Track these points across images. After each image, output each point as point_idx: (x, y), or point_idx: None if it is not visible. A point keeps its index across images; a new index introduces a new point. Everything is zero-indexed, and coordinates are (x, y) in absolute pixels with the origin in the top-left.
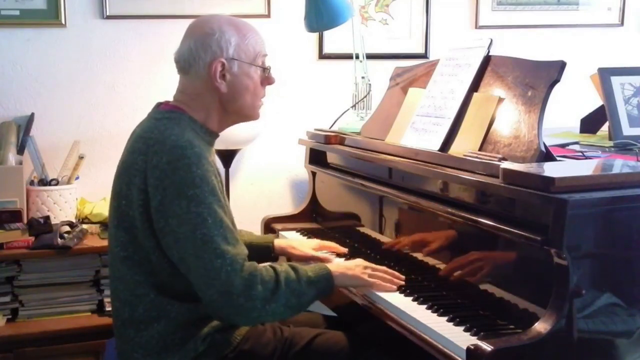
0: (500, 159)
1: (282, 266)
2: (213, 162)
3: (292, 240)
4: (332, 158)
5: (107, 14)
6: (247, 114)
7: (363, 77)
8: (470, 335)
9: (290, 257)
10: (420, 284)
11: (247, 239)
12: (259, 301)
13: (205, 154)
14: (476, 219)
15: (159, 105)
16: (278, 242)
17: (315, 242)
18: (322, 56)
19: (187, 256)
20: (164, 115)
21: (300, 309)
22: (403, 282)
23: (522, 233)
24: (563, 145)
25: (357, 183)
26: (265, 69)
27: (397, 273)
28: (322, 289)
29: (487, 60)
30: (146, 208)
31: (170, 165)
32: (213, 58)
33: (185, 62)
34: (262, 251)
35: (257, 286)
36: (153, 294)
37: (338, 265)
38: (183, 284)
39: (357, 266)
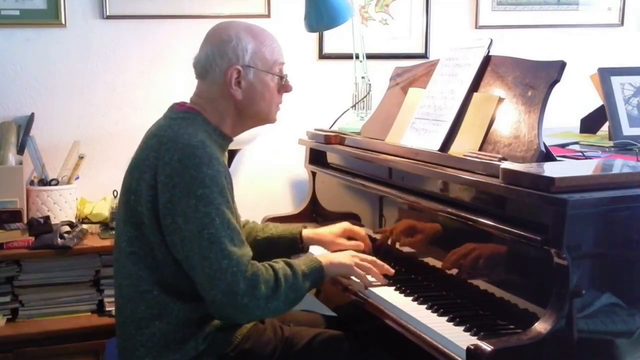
0: (500, 159)
1: (279, 264)
2: (224, 164)
3: (318, 231)
4: (332, 158)
5: (107, 14)
6: (263, 119)
7: (363, 77)
8: (470, 335)
9: (322, 246)
10: (420, 284)
11: (274, 232)
12: (262, 300)
13: (216, 154)
14: (476, 219)
15: (174, 105)
16: (306, 233)
17: (341, 226)
18: (322, 56)
19: (192, 255)
20: (179, 115)
21: (297, 302)
22: (390, 275)
23: (522, 233)
24: (563, 145)
25: (357, 183)
26: (282, 77)
27: (386, 266)
28: (315, 281)
29: (487, 60)
30: (154, 204)
31: (181, 163)
32: (229, 65)
33: (202, 68)
34: (291, 243)
35: (260, 286)
36: (156, 290)
37: (326, 256)
38: (187, 282)
39: (345, 256)
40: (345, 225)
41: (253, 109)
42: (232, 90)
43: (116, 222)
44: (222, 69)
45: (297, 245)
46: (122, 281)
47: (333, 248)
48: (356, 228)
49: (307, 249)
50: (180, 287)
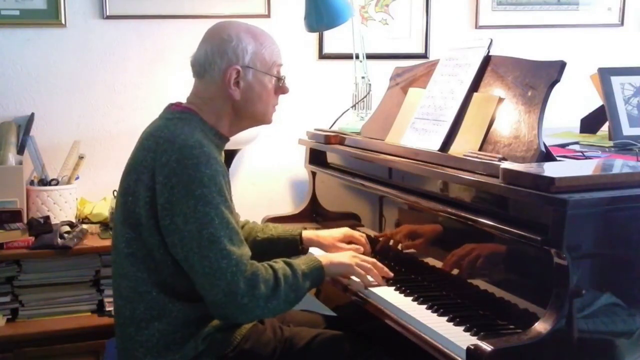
0: (500, 159)
1: (278, 263)
2: (222, 163)
3: (319, 233)
4: (332, 158)
5: (107, 14)
6: (259, 120)
7: (363, 77)
8: (470, 335)
9: (322, 249)
10: (420, 284)
11: (274, 232)
12: (262, 300)
13: (214, 154)
14: (476, 219)
15: (170, 105)
16: (306, 235)
17: (342, 231)
18: (322, 56)
19: (191, 255)
20: (175, 116)
21: (297, 301)
22: (390, 278)
23: (522, 233)
24: (563, 145)
25: (357, 183)
26: (280, 79)
27: (386, 269)
28: (315, 280)
29: (487, 60)
30: (152, 205)
31: (179, 163)
32: (228, 65)
33: (201, 67)
34: (291, 245)
35: (259, 285)
36: (155, 291)
37: (326, 256)
38: (185, 282)
39: (345, 256)
40: (345, 230)
41: (250, 110)
42: (230, 90)
43: (114, 223)
44: (221, 68)
45: (297, 247)
46: (120, 282)
47: (332, 251)
48: (356, 234)
49: (307, 250)
50: (179, 288)
